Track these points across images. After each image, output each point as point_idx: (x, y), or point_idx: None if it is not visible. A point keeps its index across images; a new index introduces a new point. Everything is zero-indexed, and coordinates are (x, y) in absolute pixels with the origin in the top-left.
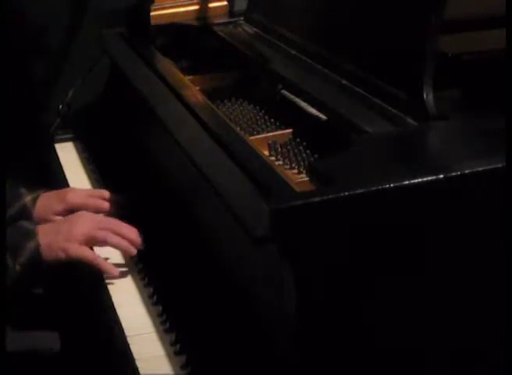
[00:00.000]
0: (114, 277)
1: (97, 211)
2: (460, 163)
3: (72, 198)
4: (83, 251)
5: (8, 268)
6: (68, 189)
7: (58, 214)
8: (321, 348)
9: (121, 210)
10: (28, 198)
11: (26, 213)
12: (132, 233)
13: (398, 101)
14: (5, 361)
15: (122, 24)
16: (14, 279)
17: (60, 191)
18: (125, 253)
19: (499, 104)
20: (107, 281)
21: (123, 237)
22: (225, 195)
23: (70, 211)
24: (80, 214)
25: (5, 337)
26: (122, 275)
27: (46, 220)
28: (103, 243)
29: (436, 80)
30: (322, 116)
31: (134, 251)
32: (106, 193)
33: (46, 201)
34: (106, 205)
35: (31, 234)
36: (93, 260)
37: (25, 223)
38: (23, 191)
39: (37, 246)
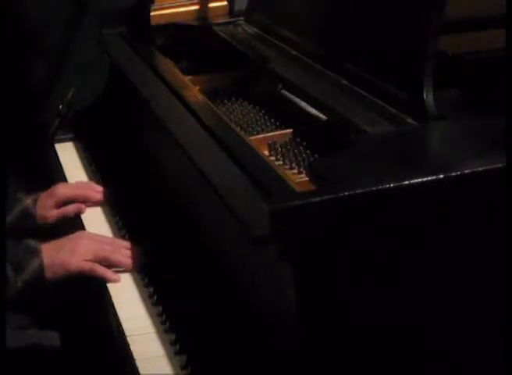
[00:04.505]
0: (116, 282)
1: (85, 201)
2: (460, 163)
3: (62, 192)
4: (84, 264)
5: (9, 282)
6: (58, 185)
7: (51, 208)
8: (321, 348)
9: (107, 199)
10: (28, 201)
11: (28, 215)
12: (127, 259)
13: (398, 101)
14: (5, 360)
15: (122, 24)
16: (14, 294)
17: (51, 188)
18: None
19: (499, 104)
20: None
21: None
22: (224, 195)
23: (62, 204)
24: (81, 234)
25: (5, 337)
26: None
27: (43, 217)
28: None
29: (436, 80)
30: (322, 116)
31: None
32: (94, 185)
33: (41, 201)
34: (94, 195)
35: (35, 252)
36: (91, 270)
37: (31, 241)
38: (20, 195)
39: (41, 264)
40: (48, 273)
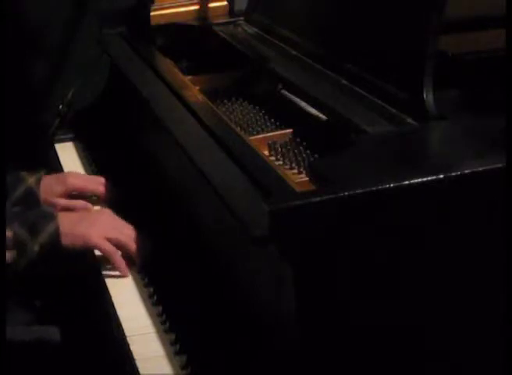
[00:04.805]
0: (125, 276)
1: (94, 195)
2: (460, 163)
3: (73, 181)
4: (103, 243)
5: (26, 247)
6: (67, 173)
7: (59, 196)
8: (321, 348)
9: (114, 199)
10: (32, 180)
11: (32, 194)
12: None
13: (398, 101)
14: (5, 359)
15: (122, 24)
16: (29, 260)
17: (60, 174)
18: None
19: (499, 104)
20: (107, 281)
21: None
22: (224, 195)
23: (70, 193)
24: (103, 210)
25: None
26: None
27: (48, 202)
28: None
29: (436, 80)
30: (322, 116)
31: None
32: (103, 179)
33: (47, 184)
34: (103, 190)
35: (51, 217)
36: (108, 251)
37: (46, 207)
38: (23, 174)
39: (57, 228)
40: (66, 242)
